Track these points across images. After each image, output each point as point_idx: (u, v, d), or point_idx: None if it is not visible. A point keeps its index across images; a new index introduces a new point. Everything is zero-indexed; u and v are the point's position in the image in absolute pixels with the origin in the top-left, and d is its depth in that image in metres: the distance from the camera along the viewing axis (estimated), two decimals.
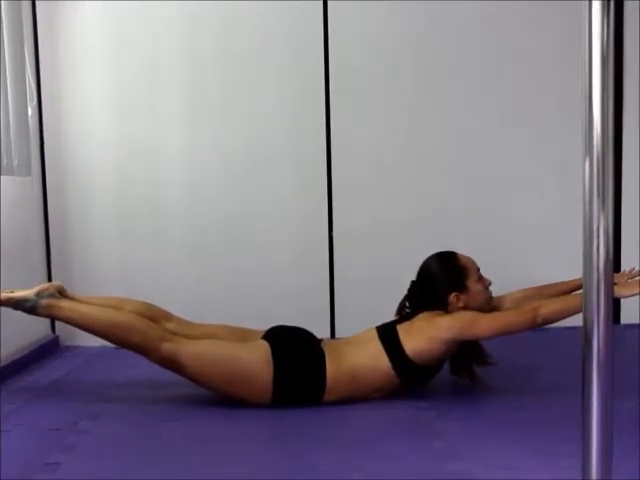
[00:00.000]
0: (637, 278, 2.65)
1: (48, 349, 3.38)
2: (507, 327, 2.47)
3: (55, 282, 2.73)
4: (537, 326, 2.47)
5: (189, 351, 2.48)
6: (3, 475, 1.94)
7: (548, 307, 2.45)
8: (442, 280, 2.62)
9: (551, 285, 2.81)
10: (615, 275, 2.36)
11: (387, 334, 2.57)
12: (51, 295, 2.56)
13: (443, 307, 2.60)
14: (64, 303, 2.57)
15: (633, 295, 2.48)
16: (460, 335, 2.49)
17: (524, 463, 1.96)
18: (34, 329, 3.39)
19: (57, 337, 3.59)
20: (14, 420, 2.41)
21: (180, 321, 2.71)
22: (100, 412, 2.49)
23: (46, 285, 2.63)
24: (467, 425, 2.32)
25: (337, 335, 3.62)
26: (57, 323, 3.62)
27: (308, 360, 2.53)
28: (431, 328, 2.51)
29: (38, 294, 2.55)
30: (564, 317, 2.43)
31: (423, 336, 2.51)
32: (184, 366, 2.48)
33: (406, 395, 2.56)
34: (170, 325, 2.64)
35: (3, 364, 2.90)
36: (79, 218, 3.62)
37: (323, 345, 2.60)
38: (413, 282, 2.70)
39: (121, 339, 2.53)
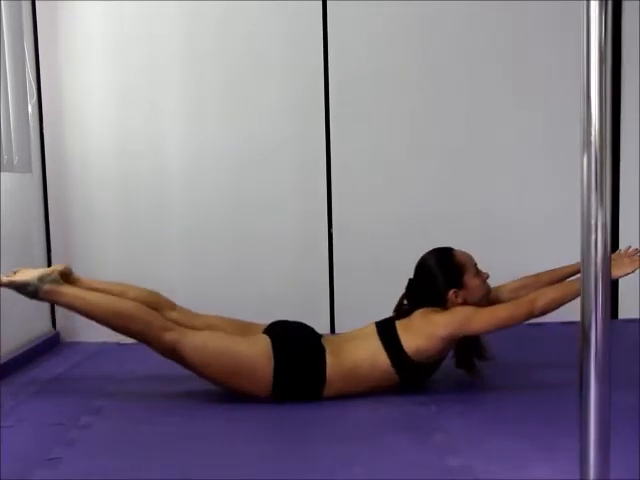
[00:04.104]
0: (636, 257, 2.54)
1: (48, 345, 3.38)
2: (505, 321, 2.46)
3: (58, 266, 2.66)
4: (535, 317, 2.47)
5: (191, 342, 2.48)
6: (5, 470, 1.95)
7: (544, 297, 2.45)
8: (440, 277, 2.60)
9: (548, 272, 2.77)
10: (612, 255, 2.23)
11: (386, 331, 2.57)
12: (53, 280, 2.53)
13: (442, 304, 2.59)
14: (66, 289, 2.55)
15: (625, 275, 2.47)
16: (458, 331, 2.49)
17: (524, 457, 1.97)
18: (35, 325, 3.40)
19: (57, 333, 3.59)
20: (15, 416, 2.42)
21: (183, 311, 2.71)
22: (101, 407, 2.50)
23: (49, 270, 2.59)
24: (467, 420, 2.33)
25: (337, 330, 3.63)
26: (58, 319, 3.64)
27: (308, 355, 2.54)
28: (429, 325, 2.50)
29: (41, 279, 2.52)
30: (561, 305, 2.42)
31: (421, 334, 2.50)
32: (185, 357, 2.48)
33: (406, 390, 2.57)
34: (173, 314, 2.65)
35: (4, 360, 2.90)
36: (79, 215, 3.62)
37: (323, 341, 2.60)
38: (411, 279, 2.69)
39: (122, 327, 2.52)
